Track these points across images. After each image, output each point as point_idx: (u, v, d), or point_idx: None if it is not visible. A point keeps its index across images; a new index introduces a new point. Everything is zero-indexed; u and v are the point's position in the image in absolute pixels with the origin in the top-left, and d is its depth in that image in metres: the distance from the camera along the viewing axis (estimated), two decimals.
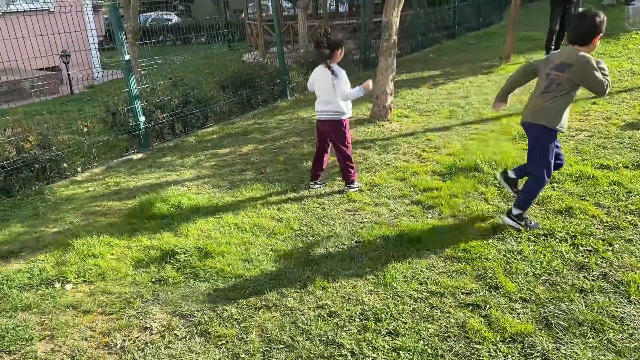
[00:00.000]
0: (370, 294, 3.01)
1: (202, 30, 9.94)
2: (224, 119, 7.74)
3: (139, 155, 6.25)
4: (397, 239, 3.60)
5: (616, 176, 4.22)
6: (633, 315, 2.62)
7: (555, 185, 4.20)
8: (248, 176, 5.17)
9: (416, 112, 6.97)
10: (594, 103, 6.47)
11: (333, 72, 4.25)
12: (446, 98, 7.64)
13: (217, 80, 8.31)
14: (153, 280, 3.38)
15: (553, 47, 9.79)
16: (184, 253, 3.63)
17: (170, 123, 6.87)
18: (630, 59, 9.24)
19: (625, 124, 5.53)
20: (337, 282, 3.15)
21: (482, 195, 4.17)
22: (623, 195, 3.91)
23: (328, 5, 21.04)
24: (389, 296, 2.97)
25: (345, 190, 4.51)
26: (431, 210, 4.02)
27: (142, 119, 6.30)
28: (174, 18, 27.46)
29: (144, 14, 27.29)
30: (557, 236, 3.44)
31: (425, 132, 6.04)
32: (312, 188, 4.64)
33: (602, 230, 3.46)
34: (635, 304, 2.70)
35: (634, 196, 3.87)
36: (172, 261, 3.57)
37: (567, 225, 3.55)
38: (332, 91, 4.28)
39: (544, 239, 3.43)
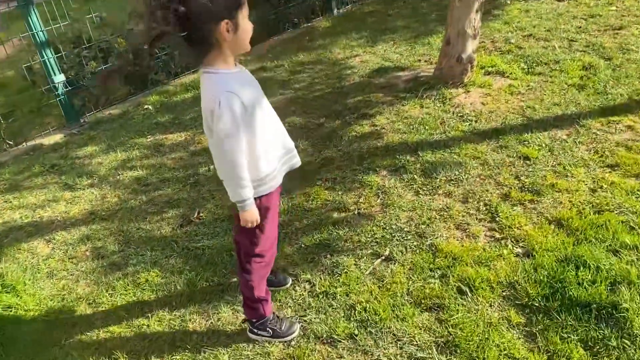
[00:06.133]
0: None
1: None
2: None
3: (56, 138, 4.03)
4: None
5: None
6: None
7: None
8: (163, 228, 2.81)
9: (521, 62, 3.91)
10: None
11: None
12: (584, 25, 4.37)
13: None
14: None
15: None
16: None
17: (119, 76, 4.48)
18: None
19: None
20: None
21: None
22: None
23: None
24: None
25: (249, 334, 2.05)
26: None
27: (59, 78, 4.01)
28: None
29: None
30: None
31: (527, 125, 3.13)
32: None
33: None
34: None
35: None
36: None
37: None
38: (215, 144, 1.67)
39: None
